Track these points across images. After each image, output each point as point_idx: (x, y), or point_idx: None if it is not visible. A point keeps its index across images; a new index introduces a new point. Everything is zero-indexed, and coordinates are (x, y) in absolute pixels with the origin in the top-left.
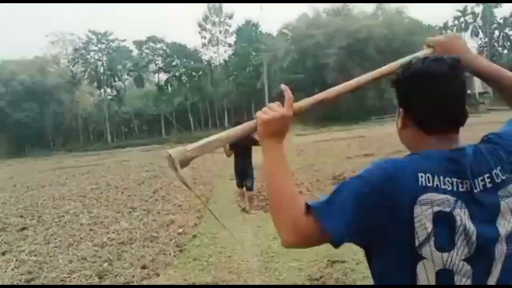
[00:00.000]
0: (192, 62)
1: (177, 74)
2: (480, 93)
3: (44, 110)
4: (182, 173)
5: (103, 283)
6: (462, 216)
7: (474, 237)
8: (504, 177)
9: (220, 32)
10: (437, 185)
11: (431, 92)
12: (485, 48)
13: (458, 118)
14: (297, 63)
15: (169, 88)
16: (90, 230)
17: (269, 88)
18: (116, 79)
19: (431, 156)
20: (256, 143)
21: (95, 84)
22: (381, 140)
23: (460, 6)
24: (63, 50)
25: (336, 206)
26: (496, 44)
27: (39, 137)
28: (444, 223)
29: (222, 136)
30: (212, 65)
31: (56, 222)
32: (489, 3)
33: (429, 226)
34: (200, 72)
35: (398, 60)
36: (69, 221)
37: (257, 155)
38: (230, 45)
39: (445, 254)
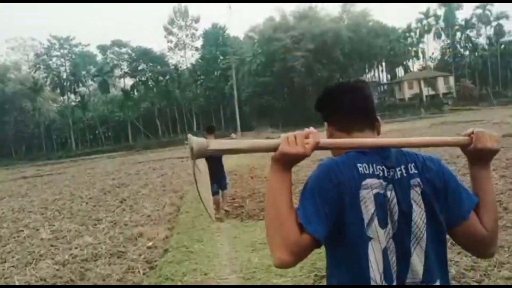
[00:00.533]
0: (159, 67)
1: (143, 78)
2: (444, 94)
3: (5, 118)
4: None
5: None
6: (391, 198)
7: (396, 217)
8: (415, 171)
9: (187, 35)
10: (372, 172)
11: (350, 101)
12: (448, 50)
13: (367, 120)
14: (265, 66)
15: (136, 93)
16: (51, 246)
17: (238, 91)
18: (80, 84)
19: (364, 151)
20: None
21: (58, 90)
22: None
23: (423, 8)
24: (24, 56)
25: (310, 210)
26: (458, 45)
27: None
28: (382, 204)
29: (243, 144)
30: (179, 69)
31: (14, 237)
32: (450, 5)
33: (372, 208)
34: (167, 77)
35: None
36: (28, 236)
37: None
38: (197, 49)
39: (386, 232)
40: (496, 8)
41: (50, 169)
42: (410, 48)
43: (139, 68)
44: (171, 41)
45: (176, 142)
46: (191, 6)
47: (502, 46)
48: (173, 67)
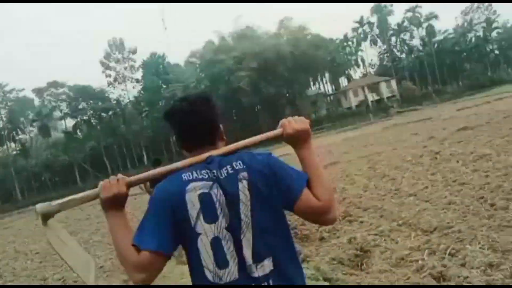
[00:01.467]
0: (100, 103)
1: (85, 117)
2: (388, 97)
3: None
4: (53, 232)
5: None
6: (218, 194)
7: (226, 209)
8: (243, 167)
9: (126, 68)
10: (196, 176)
11: (174, 124)
12: (385, 55)
13: (204, 140)
14: (210, 90)
15: (79, 133)
16: None
17: None
18: (19, 131)
19: (193, 163)
20: None
21: None
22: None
23: (357, 17)
24: None
25: (146, 228)
26: (395, 50)
27: None
28: (207, 202)
29: (78, 196)
30: (122, 103)
31: None
32: (382, 11)
33: (198, 206)
34: (110, 112)
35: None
36: None
37: None
38: (138, 81)
39: (213, 226)
40: (425, 9)
41: None
42: (349, 57)
43: (79, 107)
44: (109, 76)
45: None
46: (126, 38)
47: (435, 45)
48: (115, 101)
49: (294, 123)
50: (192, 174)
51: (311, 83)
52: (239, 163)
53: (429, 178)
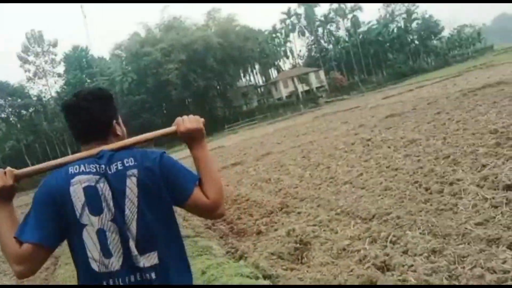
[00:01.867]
0: (19, 100)
1: (3, 115)
2: (317, 88)
3: None
4: None
5: None
6: (104, 188)
7: (111, 203)
8: (134, 163)
9: (46, 62)
10: (82, 170)
11: (67, 118)
12: (313, 46)
13: (93, 135)
14: (138, 84)
15: None
16: None
17: None
18: None
19: (83, 158)
20: None
21: None
22: (243, 147)
23: (284, 8)
24: None
25: (29, 222)
26: (322, 40)
27: None
28: (92, 195)
29: None
30: (43, 99)
31: None
32: (309, 4)
33: (82, 198)
34: (31, 109)
35: (152, 132)
36: None
37: None
38: (60, 75)
39: (98, 218)
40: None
41: None
42: (278, 49)
43: None
44: (29, 70)
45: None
46: (45, 31)
47: (360, 36)
48: (35, 98)
49: (188, 122)
50: (79, 167)
51: (242, 75)
52: (131, 160)
53: (363, 165)
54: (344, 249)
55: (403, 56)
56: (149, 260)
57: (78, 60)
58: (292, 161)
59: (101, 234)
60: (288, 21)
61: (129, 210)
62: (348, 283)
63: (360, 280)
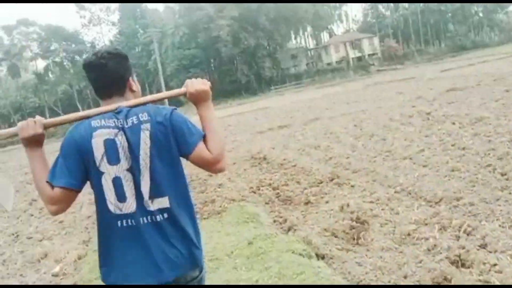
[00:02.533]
0: (73, 45)
1: (57, 59)
2: (369, 55)
3: None
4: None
5: None
6: (122, 141)
7: (128, 154)
8: (147, 118)
9: (101, 10)
10: (103, 124)
11: (88, 75)
12: (370, 11)
13: (111, 90)
14: (189, 38)
15: (50, 75)
16: None
17: (163, 66)
18: None
19: (103, 112)
20: None
21: None
22: (290, 109)
23: None
24: None
25: (58, 168)
26: (380, 6)
27: None
28: (111, 146)
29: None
30: (96, 46)
31: None
32: None
33: (102, 150)
34: (84, 55)
35: (163, 92)
36: None
37: None
38: (114, 24)
39: (115, 167)
40: None
41: None
42: (333, 12)
43: (51, 48)
44: (84, 17)
45: None
46: None
47: (421, 4)
48: (89, 44)
49: (197, 84)
50: (100, 121)
51: (292, 37)
52: (145, 115)
53: (424, 140)
54: (408, 234)
55: (464, 29)
56: (160, 203)
57: (132, 10)
58: (343, 129)
59: (117, 181)
60: None
61: (143, 160)
62: (416, 276)
63: (432, 275)
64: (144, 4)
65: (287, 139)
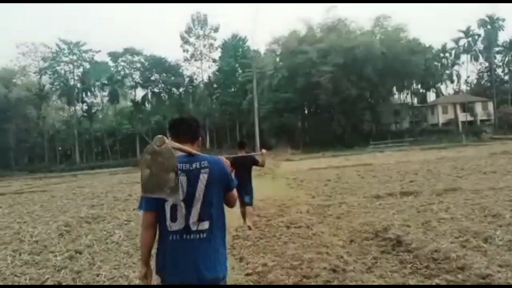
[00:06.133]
0: (173, 77)
1: (155, 90)
2: (481, 121)
3: (7, 126)
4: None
5: None
6: (182, 180)
7: (185, 189)
8: (207, 165)
9: (204, 46)
10: (182, 167)
11: (173, 125)
12: (486, 73)
13: (187, 137)
14: (287, 82)
15: (147, 105)
16: None
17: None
18: (89, 93)
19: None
20: (257, 163)
21: (65, 98)
22: (402, 171)
23: (463, 26)
24: (35, 62)
25: (143, 201)
26: (499, 70)
27: None
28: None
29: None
30: (195, 81)
31: None
32: (493, 24)
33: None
34: (181, 89)
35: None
36: None
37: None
38: (214, 61)
39: (174, 197)
40: None
41: (39, 184)
42: (442, 71)
43: (152, 78)
44: (187, 51)
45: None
46: (210, 14)
47: None
48: (188, 78)
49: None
50: (181, 164)
51: (395, 92)
52: (205, 163)
53: None
54: None
55: None
56: (202, 226)
57: (234, 49)
58: (504, 209)
59: (173, 207)
60: (463, 42)
61: (198, 194)
62: None
63: None
64: (246, 44)
65: (422, 214)
